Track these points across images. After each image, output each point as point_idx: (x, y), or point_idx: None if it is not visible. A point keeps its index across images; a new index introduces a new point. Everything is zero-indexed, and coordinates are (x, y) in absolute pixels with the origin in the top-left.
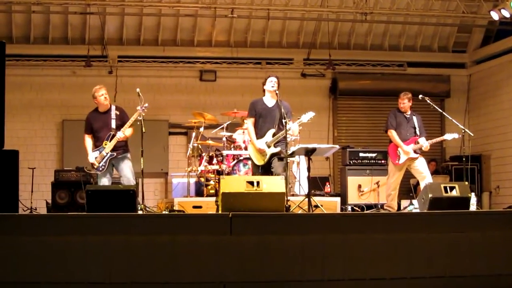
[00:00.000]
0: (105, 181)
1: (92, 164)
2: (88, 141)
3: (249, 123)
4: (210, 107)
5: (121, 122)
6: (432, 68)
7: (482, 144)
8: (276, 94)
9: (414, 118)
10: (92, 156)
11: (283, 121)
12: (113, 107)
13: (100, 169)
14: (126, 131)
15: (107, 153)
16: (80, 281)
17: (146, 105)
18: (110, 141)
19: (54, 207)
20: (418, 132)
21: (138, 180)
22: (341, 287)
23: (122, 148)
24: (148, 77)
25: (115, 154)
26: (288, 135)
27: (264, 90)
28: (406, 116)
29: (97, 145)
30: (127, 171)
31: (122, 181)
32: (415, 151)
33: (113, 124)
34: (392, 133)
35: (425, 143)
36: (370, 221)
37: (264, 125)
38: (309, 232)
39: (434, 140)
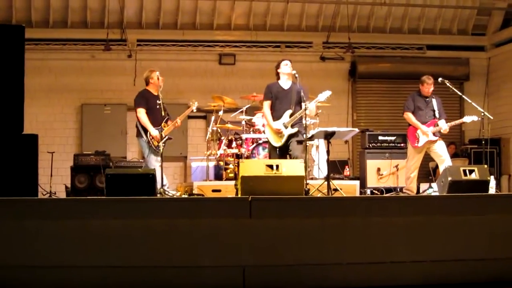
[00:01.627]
0: (158, 159)
1: (155, 138)
2: (146, 115)
3: (265, 105)
4: (229, 91)
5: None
6: (451, 51)
7: (501, 127)
8: (296, 77)
9: (434, 100)
10: (156, 131)
11: (302, 103)
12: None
13: (160, 148)
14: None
15: (165, 136)
16: (99, 265)
17: (196, 103)
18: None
19: (73, 191)
20: (437, 115)
21: None
22: (360, 270)
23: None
24: (167, 60)
25: (172, 138)
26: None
27: (277, 74)
28: (426, 99)
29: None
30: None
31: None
32: (434, 134)
33: (163, 110)
34: (408, 115)
35: (444, 126)
36: (389, 205)
37: (281, 106)
38: (328, 215)
39: (453, 123)
